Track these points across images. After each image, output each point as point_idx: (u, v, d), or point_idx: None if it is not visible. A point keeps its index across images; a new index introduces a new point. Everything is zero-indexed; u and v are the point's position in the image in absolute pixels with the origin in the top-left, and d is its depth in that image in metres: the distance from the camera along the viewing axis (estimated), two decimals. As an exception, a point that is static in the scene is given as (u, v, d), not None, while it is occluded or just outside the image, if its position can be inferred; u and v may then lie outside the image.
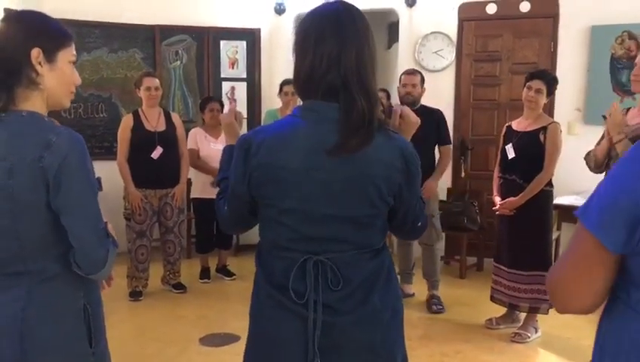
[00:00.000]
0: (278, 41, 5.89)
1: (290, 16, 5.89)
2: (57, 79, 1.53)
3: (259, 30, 5.96)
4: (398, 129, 1.63)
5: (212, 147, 4.90)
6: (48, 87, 1.51)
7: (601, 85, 5.03)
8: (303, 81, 1.48)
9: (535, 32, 5.30)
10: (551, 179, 3.73)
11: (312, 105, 1.47)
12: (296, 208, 1.44)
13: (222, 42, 5.92)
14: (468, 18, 5.49)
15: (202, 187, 4.91)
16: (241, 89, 5.99)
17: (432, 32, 5.55)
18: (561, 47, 5.21)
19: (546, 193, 3.72)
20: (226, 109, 5.66)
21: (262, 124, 5.21)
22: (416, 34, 5.61)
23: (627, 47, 4.92)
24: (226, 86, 5.97)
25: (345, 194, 1.43)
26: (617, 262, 1.07)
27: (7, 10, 1.47)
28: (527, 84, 3.71)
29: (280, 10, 5.94)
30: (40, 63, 1.49)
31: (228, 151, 1.65)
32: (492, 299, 3.97)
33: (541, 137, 3.65)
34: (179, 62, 5.85)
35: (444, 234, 4.61)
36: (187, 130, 4.89)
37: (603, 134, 3.16)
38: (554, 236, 4.99)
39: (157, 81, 4.51)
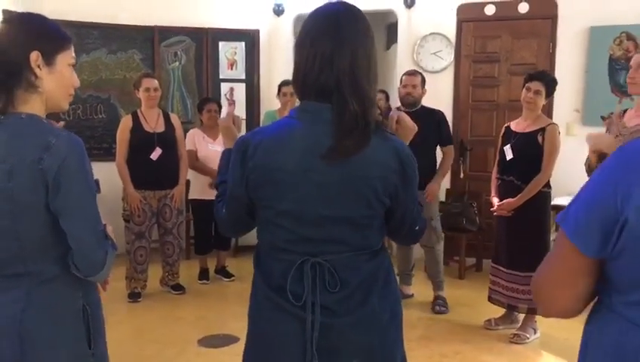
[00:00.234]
0: (276, 42, 5.90)
1: (288, 17, 5.89)
2: (56, 82, 1.53)
3: (258, 31, 5.96)
4: (395, 134, 1.63)
5: (210, 148, 4.90)
6: (47, 89, 1.52)
7: (600, 86, 5.04)
8: (299, 82, 1.48)
9: (533, 33, 5.31)
10: (549, 181, 3.74)
11: (307, 106, 1.47)
12: (293, 210, 1.44)
13: (221, 43, 5.92)
14: (466, 19, 5.49)
15: (201, 188, 4.91)
16: (240, 90, 5.99)
17: (430, 33, 5.56)
18: (560, 48, 5.22)
19: (544, 194, 3.73)
20: (224, 112, 5.67)
21: (260, 125, 5.21)
22: (415, 35, 5.62)
23: (625, 47, 4.93)
24: (224, 87, 5.97)
25: (341, 195, 1.42)
26: (597, 266, 1.09)
27: (6, 12, 1.47)
28: (526, 85, 3.71)
29: (279, 12, 5.94)
30: (39, 66, 1.49)
31: (227, 154, 1.65)
32: (490, 299, 3.98)
33: (539, 138, 3.66)
34: (177, 63, 5.86)
35: (444, 235, 4.61)
36: (186, 131, 4.89)
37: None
38: (552, 237, 5.00)
39: (156, 82, 4.51)
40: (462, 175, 5.43)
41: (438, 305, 4.32)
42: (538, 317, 3.81)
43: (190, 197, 4.98)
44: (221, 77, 5.96)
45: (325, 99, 1.42)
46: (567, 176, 3.99)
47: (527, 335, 3.77)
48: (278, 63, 5.74)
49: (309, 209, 1.43)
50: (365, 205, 1.44)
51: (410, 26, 5.66)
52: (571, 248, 1.07)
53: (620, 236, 1.02)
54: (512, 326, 3.92)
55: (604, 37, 5.00)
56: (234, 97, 5.97)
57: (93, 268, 1.51)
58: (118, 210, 4.63)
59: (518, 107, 3.91)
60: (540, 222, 3.76)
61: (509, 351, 3.65)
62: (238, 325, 3.99)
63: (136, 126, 4.41)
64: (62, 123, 3.60)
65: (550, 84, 3.71)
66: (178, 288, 4.70)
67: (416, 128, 1.69)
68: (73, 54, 1.58)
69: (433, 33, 5.55)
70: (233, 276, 5.09)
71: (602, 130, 3.22)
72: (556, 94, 5.20)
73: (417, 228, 1.59)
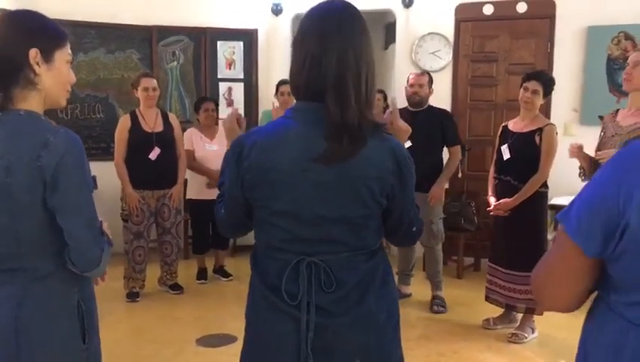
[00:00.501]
0: (275, 41, 5.89)
1: (287, 16, 5.89)
2: (54, 79, 1.54)
3: (256, 31, 5.96)
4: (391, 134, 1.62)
5: (207, 148, 4.90)
6: (46, 86, 1.53)
7: (598, 86, 5.05)
8: (293, 82, 1.48)
9: (532, 32, 5.31)
10: (546, 181, 3.74)
11: (302, 106, 1.47)
12: (288, 209, 1.44)
13: (219, 43, 5.92)
14: (465, 19, 5.50)
15: (198, 188, 4.90)
16: (238, 89, 5.99)
17: (429, 33, 5.56)
18: (558, 48, 5.23)
19: (541, 194, 3.73)
20: (225, 113, 5.66)
21: (258, 124, 5.21)
22: (413, 35, 5.62)
23: (623, 47, 4.94)
24: (222, 86, 5.97)
25: (337, 195, 1.42)
26: (598, 266, 1.09)
27: (1, 11, 1.46)
28: (524, 85, 3.71)
29: (277, 11, 5.94)
30: (38, 63, 1.50)
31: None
32: (487, 299, 3.98)
33: (537, 139, 3.65)
34: (176, 63, 5.85)
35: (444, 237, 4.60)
36: (184, 131, 4.88)
37: (600, 135, 3.18)
38: (550, 236, 5.00)
39: (154, 81, 4.51)
40: (460, 175, 5.43)
41: (437, 305, 4.32)
42: (536, 317, 3.82)
43: (188, 196, 4.97)
44: (219, 76, 5.96)
45: (319, 100, 1.41)
46: (565, 175, 4.00)
47: (526, 335, 3.77)
48: (277, 63, 5.74)
49: (305, 209, 1.42)
50: (362, 205, 1.43)
51: (408, 25, 5.66)
52: (572, 247, 1.07)
53: (621, 237, 1.02)
54: (511, 325, 3.92)
55: (602, 36, 5.01)
56: (232, 97, 5.96)
57: (90, 265, 1.52)
58: (116, 210, 4.62)
59: (517, 107, 3.92)
60: (537, 221, 3.76)
61: (508, 351, 3.66)
62: (237, 325, 3.98)
63: (135, 125, 4.41)
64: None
65: (548, 84, 3.71)
66: (176, 288, 4.70)
67: (410, 130, 1.67)
68: (69, 51, 1.59)
69: (431, 33, 5.56)
70: (231, 276, 5.09)
71: (599, 130, 3.24)
72: (554, 94, 5.20)
73: (414, 229, 1.58)
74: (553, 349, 3.68)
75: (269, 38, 5.96)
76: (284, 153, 1.42)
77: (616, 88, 4.94)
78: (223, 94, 5.96)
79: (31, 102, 1.51)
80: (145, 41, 5.73)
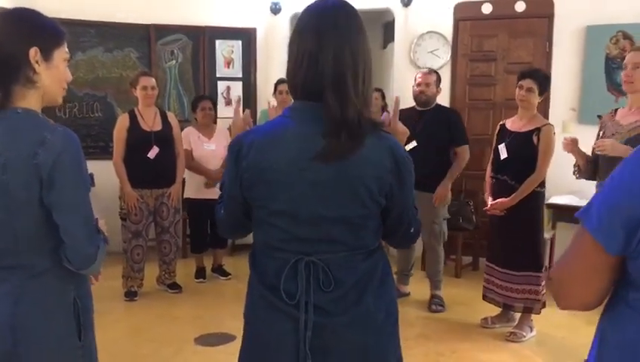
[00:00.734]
0: (273, 40, 5.89)
1: (285, 15, 5.89)
2: (53, 77, 1.56)
3: (254, 30, 5.95)
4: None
5: (205, 148, 4.89)
6: (44, 85, 1.54)
7: (596, 85, 5.05)
8: (290, 81, 1.48)
9: (530, 31, 5.31)
10: (543, 180, 3.73)
11: (299, 105, 1.47)
12: (286, 209, 1.43)
13: (217, 41, 5.91)
14: (463, 18, 5.50)
15: (196, 187, 4.90)
16: (237, 88, 5.98)
17: (427, 32, 5.56)
18: (556, 47, 5.23)
19: (537, 194, 3.72)
20: (223, 112, 5.66)
21: (257, 123, 5.20)
22: (412, 33, 5.62)
23: (622, 47, 4.94)
24: (221, 85, 5.96)
25: (335, 194, 1.41)
26: (618, 262, 1.08)
27: (1, 9, 1.46)
28: (519, 83, 3.72)
29: (276, 10, 5.94)
30: (37, 62, 1.51)
31: None
32: (484, 298, 3.98)
33: (534, 139, 3.65)
34: (174, 62, 5.85)
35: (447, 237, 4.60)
36: (182, 130, 4.87)
37: (599, 135, 3.18)
38: (549, 235, 5.01)
39: (153, 80, 4.49)
40: (458, 174, 5.43)
41: (435, 304, 4.32)
42: (535, 316, 3.82)
43: (185, 196, 4.96)
44: (218, 75, 5.96)
45: (316, 98, 1.41)
46: (564, 174, 4.00)
47: (524, 334, 3.78)
48: (275, 62, 5.73)
49: (303, 208, 1.42)
50: (360, 205, 1.43)
51: (406, 24, 5.66)
52: (593, 245, 1.07)
53: None
54: (509, 324, 3.93)
55: (600, 36, 5.01)
56: (230, 96, 5.96)
57: (85, 262, 1.53)
58: (115, 209, 4.62)
59: (515, 106, 3.91)
60: (533, 221, 3.76)
61: (506, 349, 3.66)
62: (235, 324, 3.98)
63: (134, 124, 4.40)
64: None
65: (543, 82, 3.70)
66: (175, 287, 4.70)
67: (408, 132, 1.67)
68: (67, 49, 1.60)
69: (430, 32, 5.55)
70: (230, 275, 5.09)
71: (597, 129, 3.24)
72: (552, 93, 5.21)
73: (413, 230, 1.58)
74: (551, 348, 3.68)
75: (268, 37, 5.95)
76: (281, 152, 1.42)
77: (615, 87, 4.94)
78: (222, 93, 5.96)
79: (30, 100, 1.52)
80: (143, 39, 5.72)
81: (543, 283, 3.76)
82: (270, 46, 5.92)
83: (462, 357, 3.57)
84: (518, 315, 3.90)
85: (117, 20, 5.56)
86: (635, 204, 1.02)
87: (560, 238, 5.12)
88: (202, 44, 5.87)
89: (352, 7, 1.47)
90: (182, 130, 4.78)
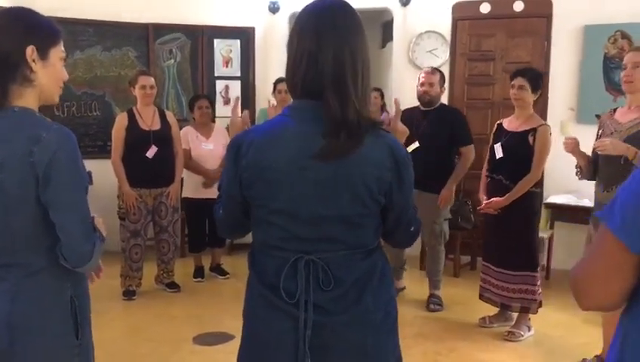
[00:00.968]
0: (272, 39, 5.89)
1: (284, 14, 5.89)
2: (49, 76, 1.56)
3: (253, 29, 5.95)
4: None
5: (203, 147, 4.89)
6: (41, 83, 1.55)
7: (594, 84, 5.05)
8: (290, 80, 1.48)
9: (528, 31, 5.32)
10: (538, 181, 3.73)
11: (299, 104, 1.47)
12: (286, 208, 1.44)
13: (216, 41, 5.91)
14: (462, 17, 5.50)
15: (194, 187, 4.89)
16: (235, 87, 5.98)
17: (426, 31, 5.56)
18: (555, 47, 5.23)
19: (532, 194, 3.72)
20: (221, 111, 5.66)
21: (256, 122, 5.21)
22: (411, 33, 5.62)
23: (620, 46, 4.95)
24: (219, 84, 5.96)
25: (335, 193, 1.41)
26: None
27: (-1, 8, 1.48)
28: (511, 83, 3.73)
29: (274, 9, 5.93)
30: (34, 60, 1.52)
31: None
32: (481, 297, 3.99)
33: (530, 139, 3.64)
34: (172, 61, 5.84)
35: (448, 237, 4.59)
36: (180, 129, 4.87)
37: (598, 134, 3.18)
38: (547, 235, 5.02)
39: (152, 79, 4.49)
40: (463, 174, 5.43)
41: (433, 303, 4.33)
42: (532, 315, 3.83)
43: (183, 195, 4.95)
44: (216, 74, 5.95)
45: (316, 97, 1.41)
46: (562, 173, 4.02)
47: (522, 333, 3.78)
48: (274, 61, 5.73)
49: (301, 207, 1.42)
50: (360, 204, 1.43)
51: (405, 24, 5.66)
52: (616, 244, 1.07)
53: None
54: (506, 323, 3.93)
55: (598, 35, 5.02)
56: (229, 95, 5.96)
57: (81, 260, 1.54)
58: (113, 208, 4.62)
59: (513, 105, 3.91)
60: (528, 221, 3.76)
61: (504, 349, 3.67)
62: (233, 323, 3.98)
63: (132, 124, 4.40)
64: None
65: (534, 79, 3.69)
66: (173, 286, 4.69)
67: (407, 132, 1.68)
68: (63, 48, 1.60)
69: (429, 31, 5.56)
70: (228, 274, 5.09)
71: (596, 128, 3.24)
72: (551, 92, 5.22)
73: (412, 229, 1.58)
74: (549, 347, 3.69)
75: (266, 36, 5.95)
76: (281, 151, 1.42)
77: (613, 87, 4.95)
78: (220, 92, 5.95)
79: (27, 99, 1.53)
80: (142, 38, 5.72)
81: (539, 282, 3.76)
82: (269, 45, 5.92)
83: (460, 356, 3.57)
84: (515, 315, 3.90)
85: (115, 19, 5.55)
86: None
87: (558, 238, 5.13)
88: (201, 43, 5.87)
89: (351, 7, 1.47)
90: (180, 129, 4.78)
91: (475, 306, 4.15)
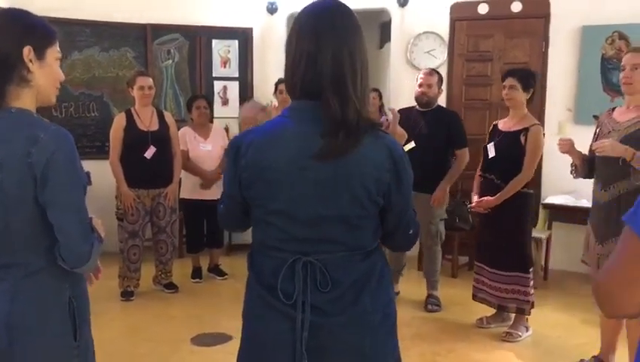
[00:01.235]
0: (270, 40, 5.89)
1: (282, 15, 5.89)
2: (46, 76, 1.57)
3: (251, 29, 5.95)
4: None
5: (201, 148, 4.88)
6: (38, 84, 1.55)
7: (592, 85, 5.06)
8: (289, 81, 1.48)
9: (526, 32, 5.33)
10: (530, 181, 3.72)
11: (298, 105, 1.47)
12: (284, 208, 1.44)
13: (214, 41, 5.91)
14: (460, 18, 5.51)
15: (192, 188, 4.89)
16: (233, 88, 5.98)
17: (424, 32, 5.57)
18: (552, 47, 5.24)
19: (524, 195, 3.71)
20: (219, 112, 5.65)
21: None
22: (409, 34, 5.63)
23: (617, 47, 4.96)
24: (217, 85, 5.96)
25: (334, 194, 1.42)
26: None
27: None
28: (503, 83, 3.75)
29: (272, 10, 5.94)
30: (31, 61, 1.52)
31: None
32: (474, 297, 3.99)
33: (522, 138, 3.64)
34: (171, 61, 5.84)
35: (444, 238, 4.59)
36: (179, 130, 4.86)
37: (595, 132, 3.19)
38: (545, 235, 5.03)
39: (150, 80, 4.49)
40: (457, 176, 5.43)
41: (431, 304, 4.33)
42: (531, 314, 3.83)
43: (181, 196, 4.94)
44: (214, 75, 5.95)
45: (314, 98, 1.41)
46: (560, 174, 4.02)
47: (520, 334, 3.78)
48: (272, 61, 5.74)
49: (300, 208, 1.43)
50: (359, 206, 1.43)
51: (403, 24, 5.67)
52: None
53: None
54: (504, 324, 3.93)
55: (596, 36, 5.03)
56: (227, 95, 5.96)
57: (79, 261, 1.54)
58: (111, 209, 4.61)
59: (511, 106, 3.93)
60: (519, 222, 3.74)
61: (502, 349, 3.67)
62: (232, 323, 3.98)
63: (130, 124, 4.39)
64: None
65: (524, 78, 3.69)
66: (171, 287, 4.69)
67: (406, 135, 1.68)
68: (58, 48, 1.61)
69: (426, 32, 5.57)
70: (226, 274, 5.08)
71: (594, 129, 3.25)
72: (548, 93, 5.22)
73: (411, 231, 1.58)
74: (547, 348, 3.69)
75: (264, 36, 5.95)
76: (280, 152, 1.42)
77: (611, 88, 4.96)
78: (218, 93, 5.95)
79: (24, 100, 1.53)
80: (140, 39, 5.72)
81: (532, 284, 3.76)
82: (267, 46, 5.92)
83: (458, 357, 3.57)
84: (512, 315, 3.90)
85: (113, 20, 5.55)
86: None
87: (556, 238, 5.14)
88: (199, 44, 5.86)
89: (348, 8, 1.48)
90: (178, 130, 4.77)
91: (473, 307, 4.15)
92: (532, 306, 3.77)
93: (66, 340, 1.57)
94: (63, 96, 5.21)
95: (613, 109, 3.17)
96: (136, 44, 5.71)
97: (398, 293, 4.60)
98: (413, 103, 4.32)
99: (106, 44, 5.61)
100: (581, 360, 3.35)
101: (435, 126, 4.17)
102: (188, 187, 4.92)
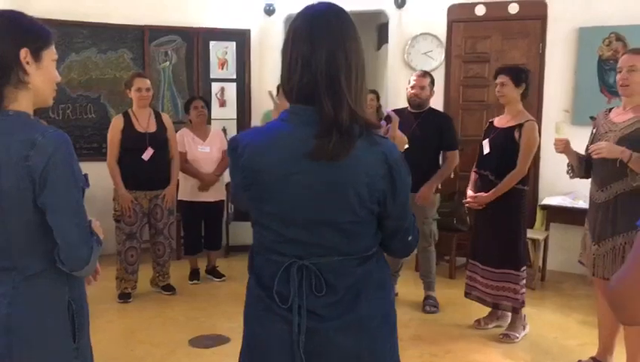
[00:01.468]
0: (267, 41, 5.89)
1: (279, 17, 5.89)
2: (43, 78, 1.57)
3: (248, 31, 5.95)
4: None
5: (199, 150, 4.88)
6: (35, 86, 1.55)
7: (589, 86, 5.07)
8: (285, 84, 1.47)
9: (523, 33, 5.34)
10: (526, 178, 3.73)
11: (295, 109, 1.46)
12: (277, 211, 1.44)
13: (211, 43, 5.91)
14: (457, 19, 5.52)
15: (190, 190, 4.88)
16: (231, 90, 5.98)
17: (421, 34, 5.58)
18: (549, 49, 5.26)
19: (518, 191, 3.71)
20: (217, 113, 5.65)
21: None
22: (406, 35, 5.63)
23: (614, 48, 4.97)
24: (215, 87, 5.96)
25: (325, 198, 1.40)
26: None
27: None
28: (495, 82, 3.77)
29: (269, 11, 5.94)
30: (28, 63, 1.52)
31: None
32: (467, 295, 3.98)
33: (516, 134, 3.65)
34: (168, 63, 5.84)
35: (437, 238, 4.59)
36: (176, 131, 4.86)
37: (592, 132, 3.19)
38: (542, 236, 5.03)
39: (148, 81, 4.48)
40: (452, 175, 5.44)
41: (429, 305, 4.33)
42: (528, 315, 3.84)
43: (179, 198, 4.94)
44: (212, 76, 5.95)
45: (311, 101, 1.41)
46: (557, 175, 4.03)
47: (517, 334, 3.78)
48: (269, 63, 5.74)
49: (293, 211, 1.42)
50: (350, 211, 1.41)
51: (400, 26, 5.68)
52: None
53: None
54: (499, 322, 3.94)
55: (593, 38, 5.04)
56: (225, 97, 5.96)
57: (79, 263, 1.53)
58: (108, 211, 4.60)
59: (507, 106, 3.93)
60: (513, 218, 3.73)
61: (500, 350, 3.67)
62: (229, 325, 3.99)
63: (128, 126, 4.39)
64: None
65: (514, 73, 3.70)
66: (169, 288, 4.68)
67: (406, 140, 1.67)
68: (55, 50, 1.61)
69: (424, 33, 5.57)
70: (224, 276, 5.08)
71: (590, 130, 3.26)
72: (545, 94, 5.23)
73: (410, 238, 1.55)
74: (544, 348, 3.69)
75: (262, 38, 5.95)
76: (274, 155, 1.42)
77: (607, 89, 4.98)
78: (216, 94, 5.95)
79: (21, 102, 1.53)
80: (137, 40, 5.71)
81: (523, 282, 3.75)
82: (264, 47, 5.92)
83: (456, 357, 3.58)
84: (508, 313, 3.89)
85: (111, 21, 5.54)
86: None
87: (554, 239, 5.14)
88: (196, 46, 5.86)
89: (344, 11, 1.47)
90: (176, 131, 4.77)
91: (471, 308, 4.15)
92: (522, 304, 3.76)
93: (65, 342, 1.57)
94: (61, 97, 5.20)
95: (610, 110, 3.18)
96: (134, 45, 5.71)
97: (396, 295, 4.60)
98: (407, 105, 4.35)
99: (103, 46, 5.60)
100: (579, 361, 3.35)
101: (427, 128, 4.17)
102: (186, 189, 4.92)
